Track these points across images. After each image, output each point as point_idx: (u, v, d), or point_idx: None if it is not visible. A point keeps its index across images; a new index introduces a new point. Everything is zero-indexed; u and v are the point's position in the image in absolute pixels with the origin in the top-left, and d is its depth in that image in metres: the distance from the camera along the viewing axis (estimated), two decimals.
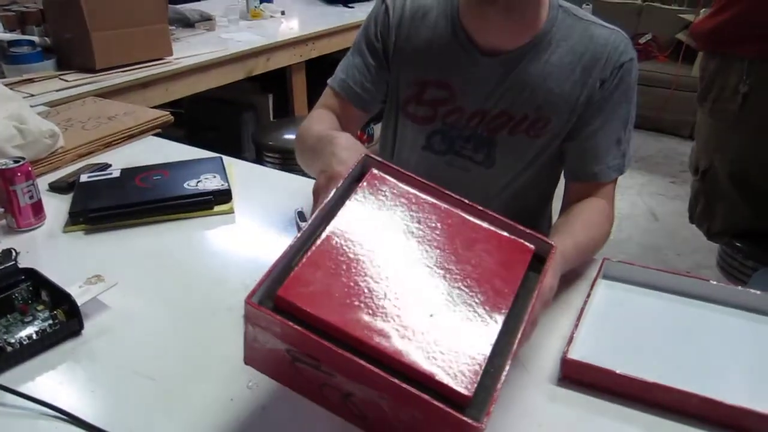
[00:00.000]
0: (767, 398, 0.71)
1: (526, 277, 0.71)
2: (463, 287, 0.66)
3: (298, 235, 0.68)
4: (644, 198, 3.57)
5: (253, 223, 1.17)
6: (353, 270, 0.65)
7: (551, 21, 1.04)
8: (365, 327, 0.60)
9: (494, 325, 0.63)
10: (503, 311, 0.65)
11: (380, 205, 0.73)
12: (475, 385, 0.58)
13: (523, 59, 1.05)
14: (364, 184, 0.74)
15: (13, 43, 2.07)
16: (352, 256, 0.67)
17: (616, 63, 1.03)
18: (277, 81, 2.91)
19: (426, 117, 1.13)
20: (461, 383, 0.58)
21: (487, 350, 0.61)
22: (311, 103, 2.93)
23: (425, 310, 0.64)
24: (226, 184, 1.21)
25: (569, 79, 1.04)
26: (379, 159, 0.77)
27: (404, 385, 0.56)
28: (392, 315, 0.62)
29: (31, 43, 2.10)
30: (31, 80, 1.94)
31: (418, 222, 0.72)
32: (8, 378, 0.77)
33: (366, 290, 0.64)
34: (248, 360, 0.68)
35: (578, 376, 0.76)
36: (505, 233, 0.74)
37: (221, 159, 1.34)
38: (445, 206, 0.75)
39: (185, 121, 3.04)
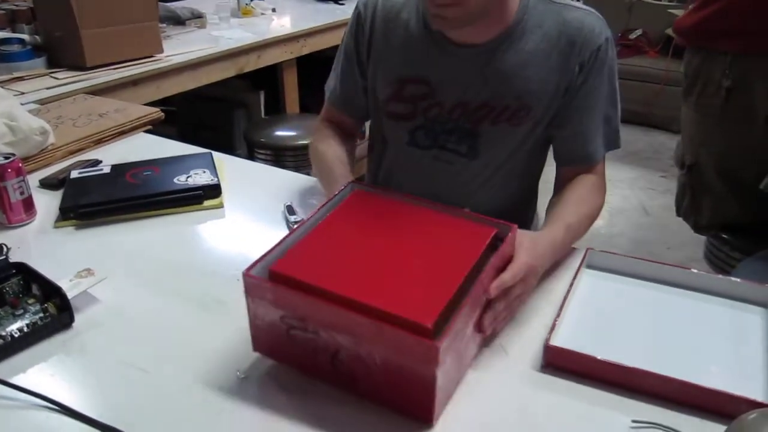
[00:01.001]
0: (744, 382, 0.73)
1: (486, 254, 0.80)
2: (430, 258, 0.78)
3: (294, 228, 0.83)
4: (635, 192, 3.59)
5: (242, 217, 1.18)
6: (335, 252, 0.80)
7: (523, 9, 1.05)
8: (343, 285, 0.71)
9: (454, 282, 0.73)
10: (462, 273, 0.74)
11: (362, 210, 0.89)
12: (435, 319, 0.67)
13: (497, 50, 1.06)
14: (351, 197, 0.91)
15: (3, 41, 2.07)
16: (335, 242, 0.81)
17: (593, 46, 1.04)
18: (269, 78, 2.91)
19: (407, 114, 1.14)
20: (423, 317, 0.67)
21: (447, 298, 0.70)
22: (303, 100, 2.96)
23: (396, 273, 0.76)
24: (216, 179, 1.22)
25: (546, 66, 1.05)
26: (366, 185, 0.92)
27: (373, 320, 0.67)
28: (366, 277, 0.74)
29: (21, 41, 2.10)
30: (21, 78, 1.94)
31: (393, 217, 0.87)
32: (0, 370, 0.78)
33: (347, 263, 0.77)
34: (255, 346, 0.79)
35: (560, 363, 0.78)
36: (469, 221, 0.85)
37: (211, 155, 1.35)
38: (418, 205, 0.89)
39: (177, 119, 3.05)
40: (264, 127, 2.59)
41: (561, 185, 1.12)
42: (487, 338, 0.83)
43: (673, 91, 4.17)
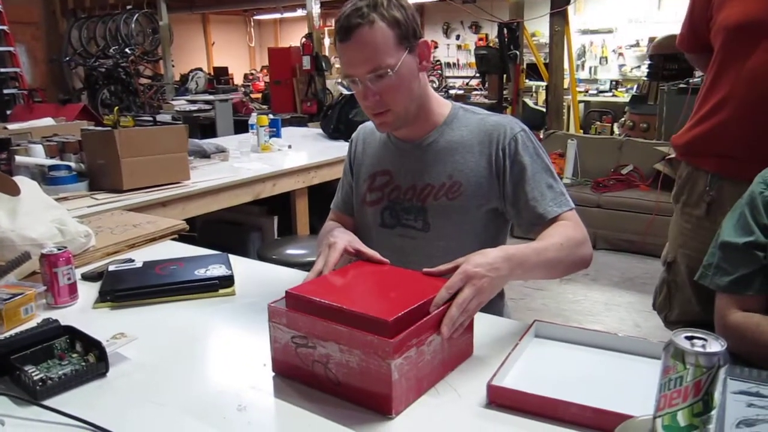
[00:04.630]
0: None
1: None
2: (402, 293, 1.06)
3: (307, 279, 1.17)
4: (632, 315, 3.75)
5: (250, 302, 1.39)
6: (335, 287, 1.12)
7: (452, 116, 1.41)
8: (337, 300, 0.98)
9: (415, 302, 0.98)
10: (423, 299, 1.00)
11: (357, 268, 1.21)
12: (395, 317, 0.91)
13: (432, 143, 1.40)
14: (352, 264, 1.23)
15: (52, 167, 2.40)
16: (335, 282, 1.13)
17: (509, 135, 1.35)
18: (282, 204, 3.21)
19: (378, 199, 1.47)
20: (386, 315, 0.92)
21: (407, 308, 0.95)
22: (312, 223, 3.22)
23: (376, 297, 1.09)
24: (230, 272, 1.45)
25: (470, 152, 1.37)
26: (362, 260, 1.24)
27: (350, 328, 0.93)
28: (355, 298, 1.07)
29: (68, 167, 2.42)
30: (66, 198, 2.24)
31: (378, 272, 1.19)
32: (51, 402, 0.98)
33: (343, 291, 1.10)
34: (275, 368, 1.05)
35: (501, 400, 0.95)
36: (434, 278, 1.10)
37: (227, 255, 1.58)
38: (400, 268, 1.20)
39: (196, 241, 3.32)
40: (276, 246, 2.83)
41: None
42: (448, 370, 1.05)
43: (664, 221, 4.40)
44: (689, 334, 0.71)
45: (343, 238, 1.25)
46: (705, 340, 0.70)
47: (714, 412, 0.68)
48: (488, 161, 1.36)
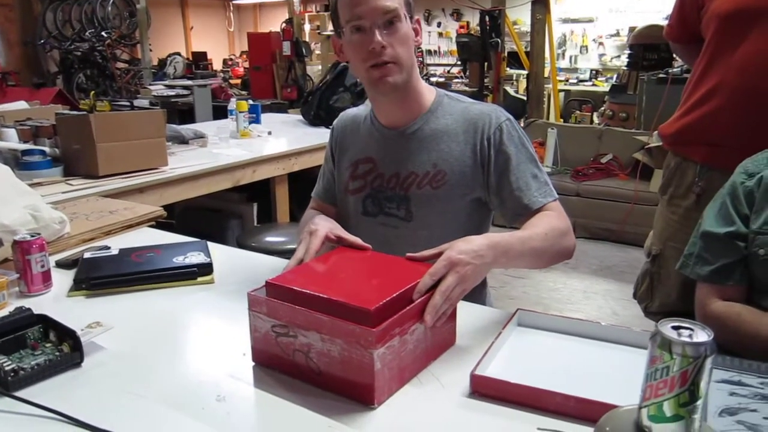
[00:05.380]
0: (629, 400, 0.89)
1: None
2: (384, 280, 1.05)
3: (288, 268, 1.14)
4: (609, 302, 3.78)
5: (229, 290, 1.36)
6: (317, 275, 1.09)
7: (437, 103, 1.39)
8: (318, 289, 0.96)
9: (398, 289, 0.96)
10: (405, 286, 0.98)
11: (341, 254, 1.19)
12: (377, 306, 0.90)
13: (417, 130, 1.38)
14: (335, 250, 1.21)
15: (26, 152, 2.34)
16: (318, 270, 1.11)
17: (494, 124, 1.34)
18: (262, 191, 3.18)
19: (360, 187, 1.45)
20: (367, 305, 0.90)
21: (389, 296, 0.93)
22: (293, 211, 3.19)
23: (358, 285, 1.07)
24: (209, 260, 1.42)
25: (455, 140, 1.35)
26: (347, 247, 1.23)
27: (331, 317, 0.91)
28: (337, 286, 1.03)
29: (42, 152, 2.37)
30: (40, 184, 2.19)
31: (362, 259, 1.17)
32: (23, 393, 0.95)
33: (325, 280, 1.07)
34: (255, 357, 1.03)
35: (484, 390, 0.94)
36: (417, 264, 1.09)
37: (206, 243, 1.56)
38: (383, 254, 1.19)
39: (175, 229, 3.27)
40: (256, 234, 2.80)
41: None
42: (431, 359, 1.03)
43: (643, 210, 4.46)
44: (676, 324, 0.71)
45: (324, 225, 1.23)
46: (691, 329, 0.69)
47: (700, 402, 0.68)
48: (473, 150, 1.35)
